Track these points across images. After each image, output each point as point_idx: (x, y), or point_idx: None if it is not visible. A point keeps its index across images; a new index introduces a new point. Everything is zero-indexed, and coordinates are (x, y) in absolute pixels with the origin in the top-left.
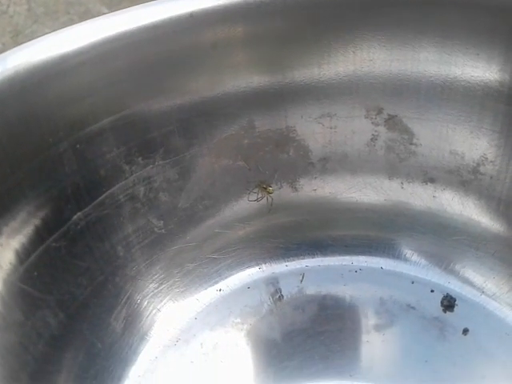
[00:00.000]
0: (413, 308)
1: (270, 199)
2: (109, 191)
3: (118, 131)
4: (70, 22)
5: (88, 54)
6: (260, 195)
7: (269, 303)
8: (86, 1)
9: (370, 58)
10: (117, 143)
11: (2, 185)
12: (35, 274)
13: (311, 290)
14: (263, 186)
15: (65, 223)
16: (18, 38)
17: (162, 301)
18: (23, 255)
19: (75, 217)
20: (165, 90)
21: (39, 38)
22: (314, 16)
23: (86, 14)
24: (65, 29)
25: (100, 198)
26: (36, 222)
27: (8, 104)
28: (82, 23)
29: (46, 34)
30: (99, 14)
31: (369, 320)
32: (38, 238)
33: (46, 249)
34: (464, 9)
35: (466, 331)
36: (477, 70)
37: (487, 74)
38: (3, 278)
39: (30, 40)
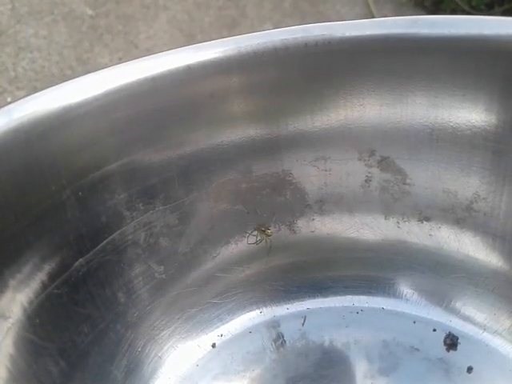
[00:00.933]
0: (416, 350)
1: (268, 242)
2: (110, 237)
3: (119, 178)
4: (54, 23)
5: (90, 105)
6: (259, 238)
7: (271, 349)
8: (70, 1)
9: (361, 103)
10: (118, 190)
11: (6, 232)
12: (37, 321)
13: (313, 333)
14: (262, 229)
15: (67, 269)
16: (1, 38)
17: (163, 348)
18: (26, 303)
19: (77, 263)
20: (164, 138)
21: (43, 91)
22: (305, 65)
23: (70, 15)
24: (68, 82)
25: (101, 244)
26: (39, 269)
27: (13, 154)
28: (85, 76)
29: (30, 34)
30: (83, 14)
31: (373, 363)
32: (41, 285)
33: (49, 296)
34: (449, 54)
35: (470, 369)
36: (463, 110)
37: (473, 115)
38: (8, 327)
39: (13, 40)
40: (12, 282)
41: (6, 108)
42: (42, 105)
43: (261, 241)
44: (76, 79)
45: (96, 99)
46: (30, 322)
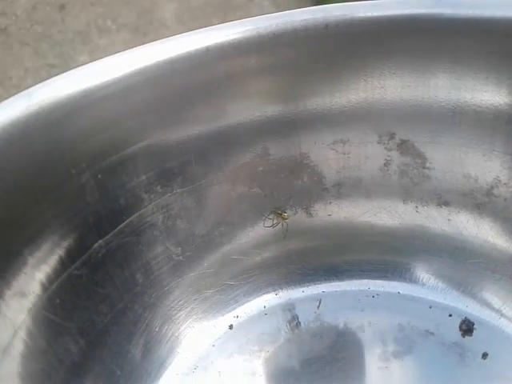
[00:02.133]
0: (431, 334)
1: (285, 225)
2: (128, 219)
3: (138, 161)
4: None
5: (109, 88)
6: (275, 221)
7: (286, 330)
8: None
9: (381, 85)
10: (136, 173)
11: (27, 214)
12: (57, 301)
13: (328, 316)
14: (278, 212)
15: (86, 251)
16: None
17: (180, 328)
18: (47, 283)
19: (96, 245)
20: (182, 120)
21: (63, 75)
22: (325, 46)
23: None
24: (86, 65)
25: (120, 226)
26: (59, 250)
27: (34, 137)
28: (103, 59)
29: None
30: None
31: (387, 346)
32: (61, 266)
33: (69, 276)
34: (472, 34)
35: (485, 355)
36: (487, 93)
37: (497, 98)
38: (28, 306)
39: None
40: (31, 260)
41: (26, 92)
42: (62, 88)
43: (277, 224)
44: (94, 62)
45: (114, 82)
46: (50, 301)
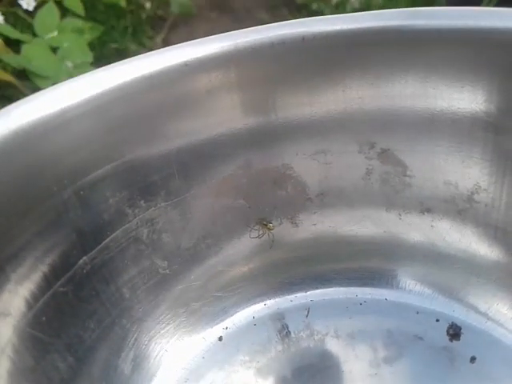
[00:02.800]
0: (420, 338)
1: (271, 235)
2: (113, 235)
3: (120, 176)
4: None
5: (88, 105)
6: (261, 232)
7: (276, 340)
8: None
9: (359, 96)
10: (119, 188)
11: (9, 233)
12: (43, 319)
13: (318, 324)
14: (263, 223)
15: (71, 268)
16: None
17: (169, 341)
18: (32, 301)
19: (81, 261)
20: (163, 135)
21: (40, 92)
22: (302, 59)
23: None
24: (64, 82)
25: (104, 242)
26: (43, 267)
27: (13, 156)
28: (81, 76)
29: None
30: None
31: (377, 352)
32: (46, 283)
33: (54, 294)
34: (446, 46)
35: (473, 359)
36: (462, 102)
37: (473, 106)
38: (13, 324)
39: None
40: (14, 277)
41: (4, 110)
42: (40, 106)
43: (263, 235)
44: (72, 79)
45: (93, 99)
46: (36, 319)
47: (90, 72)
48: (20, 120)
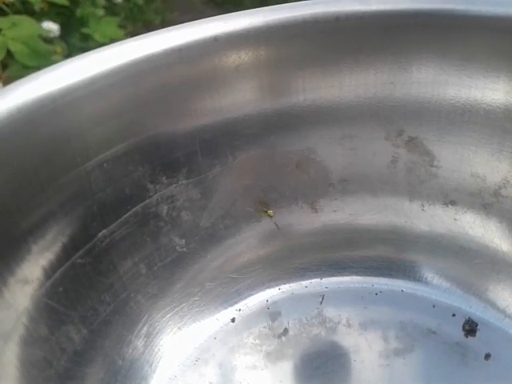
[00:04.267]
0: (434, 333)
1: (272, 223)
2: (133, 209)
3: (144, 151)
4: None
5: (117, 76)
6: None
7: (288, 326)
8: None
9: (391, 81)
10: (142, 163)
11: (32, 202)
12: (61, 289)
13: (331, 312)
14: (264, 210)
15: (90, 240)
16: None
17: (182, 319)
18: (50, 271)
19: (100, 234)
20: (189, 111)
21: (69, 60)
22: (335, 39)
23: None
24: (94, 51)
25: (125, 216)
26: (63, 238)
27: (40, 123)
28: (111, 45)
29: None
30: None
31: (389, 344)
32: (65, 254)
33: (72, 265)
34: (485, 32)
35: (488, 356)
36: (497, 92)
37: (508, 97)
38: (30, 293)
39: None
40: (35, 248)
41: (33, 75)
42: (69, 74)
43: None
44: (102, 48)
45: (122, 70)
46: (53, 289)
47: (120, 42)
48: (48, 87)
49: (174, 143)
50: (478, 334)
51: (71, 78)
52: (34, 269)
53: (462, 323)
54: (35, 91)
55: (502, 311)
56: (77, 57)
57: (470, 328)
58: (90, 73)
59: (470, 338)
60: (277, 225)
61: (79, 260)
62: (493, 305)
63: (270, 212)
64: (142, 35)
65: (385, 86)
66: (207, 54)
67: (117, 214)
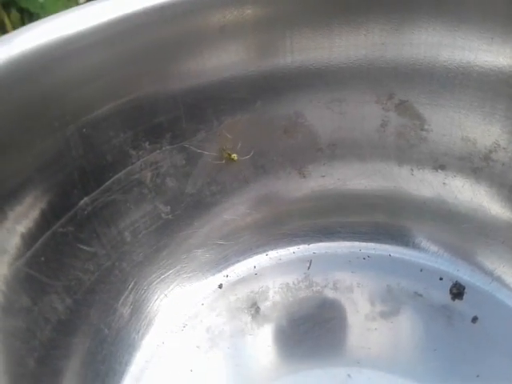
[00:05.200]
0: (420, 295)
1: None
2: (115, 176)
3: (125, 115)
4: None
5: (94, 35)
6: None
7: (275, 290)
8: None
9: (382, 42)
10: (123, 128)
11: (8, 168)
12: (42, 259)
13: (318, 277)
14: (228, 153)
15: (71, 208)
16: None
17: (169, 286)
18: (30, 240)
19: (82, 202)
20: (172, 73)
21: (45, 19)
22: None
23: None
24: (71, 9)
25: (107, 184)
26: (43, 206)
27: (15, 87)
28: (88, 4)
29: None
30: None
31: (375, 306)
32: (45, 223)
33: (53, 234)
34: None
35: (475, 319)
36: (490, 54)
37: (500, 59)
38: (9, 262)
39: None
40: (12, 215)
41: (5, 37)
42: (45, 34)
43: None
44: (79, 7)
45: (101, 29)
46: (34, 259)
47: (97, 0)
48: (22, 47)
49: (157, 107)
50: (465, 297)
51: (46, 38)
52: (11, 237)
53: (449, 287)
54: (8, 52)
55: (490, 274)
56: (53, 15)
57: (458, 291)
58: (67, 32)
59: (457, 301)
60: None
61: (60, 229)
62: (480, 268)
63: (234, 156)
64: None
65: (376, 47)
66: (191, 13)
67: (98, 182)
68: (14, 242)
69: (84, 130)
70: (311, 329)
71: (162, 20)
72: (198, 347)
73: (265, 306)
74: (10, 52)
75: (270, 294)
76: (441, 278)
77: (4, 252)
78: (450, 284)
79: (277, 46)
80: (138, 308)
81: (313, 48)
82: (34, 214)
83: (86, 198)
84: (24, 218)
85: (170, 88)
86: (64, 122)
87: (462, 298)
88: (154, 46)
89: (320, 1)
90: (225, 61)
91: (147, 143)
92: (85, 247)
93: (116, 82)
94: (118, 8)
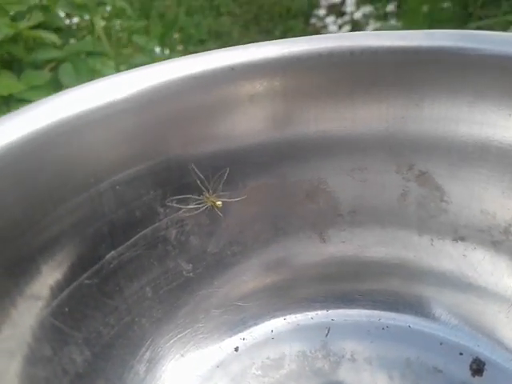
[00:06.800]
0: (440, 371)
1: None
2: (142, 232)
3: (156, 175)
4: None
5: (133, 101)
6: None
7: (292, 358)
8: None
9: (403, 116)
10: (154, 186)
11: (44, 221)
12: (66, 309)
13: (336, 345)
14: (212, 200)
15: (99, 261)
16: None
17: (185, 346)
18: (57, 291)
19: (109, 255)
20: (202, 137)
21: (87, 83)
22: (349, 73)
23: None
24: (111, 76)
25: (134, 239)
26: (72, 259)
27: (56, 145)
28: (130, 71)
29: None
30: None
31: (393, 380)
32: (73, 274)
33: (79, 285)
34: (497, 71)
35: None
36: (509, 130)
37: None
38: (36, 312)
39: None
40: (44, 267)
41: (50, 97)
42: (86, 97)
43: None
44: (119, 74)
45: (138, 95)
46: (59, 309)
47: (137, 68)
48: (65, 110)
49: (186, 168)
50: (485, 373)
51: (88, 102)
52: (41, 288)
53: (469, 362)
54: (51, 113)
55: (511, 351)
56: (95, 80)
57: (477, 368)
58: (107, 98)
59: (476, 377)
60: (218, 210)
61: (86, 281)
62: (501, 344)
63: (218, 203)
64: (158, 62)
65: (397, 120)
66: (223, 83)
67: (126, 236)
68: (43, 292)
69: (117, 186)
70: None
71: (195, 88)
72: None
73: (280, 373)
74: (55, 113)
75: (286, 361)
76: (461, 353)
77: (33, 302)
78: (470, 359)
79: (302, 116)
80: (153, 366)
81: (336, 118)
82: (64, 265)
83: (113, 252)
84: (54, 269)
85: (199, 151)
86: (99, 179)
87: (481, 375)
88: (186, 111)
89: (344, 75)
90: (252, 127)
91: (175, 202)
92: (107, 300)
93: (149, 143)
94: (156, 76)
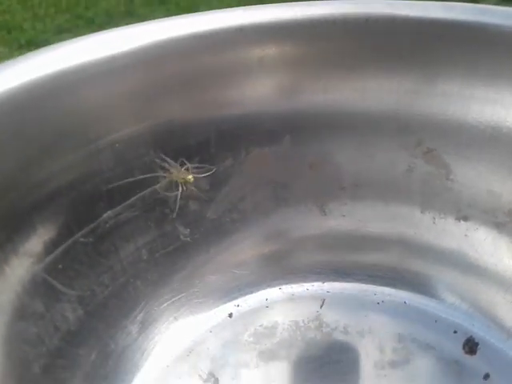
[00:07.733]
0: (432, 348)
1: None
2: (141, 193)
3: (157, 135)
4: None
5: (137, 56)
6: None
7: (284, 327)
8: None
9: (414, 90)
10: (154, 147)
11: (40, 176)
12: (60, 266)
13: (330, 317)
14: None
15: (95, 220)
16: None
17: (179, 310)
18: (51, 246)
19: (105, 215)
20: (208, 100)
21: (89, 35)
22: (362, 42)
23: None
24: (114, 29)
25: (131, 200)
26: (68, 215)
27: (56, 97)
28: (136, 25)
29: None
30: None
31: (385, 355)
32: (68, 231)
33: (74, 243)
34: None
35: (486, 376)
36: None
37: None
38: (29, 266)
39: None
40: (39, 223)
41: (51, 46)
42: (90, 48)
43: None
44: (125, 27)
45: (144, 51)
46: (53, 266)
47: (145, 22)
48: (67, 61)
49: (189, 130)
50: (478, 352)
51: (91, 54)
52: (35, 244)
53: (462, 341)
54: (53, 64)
55: (506, 331)
56: (99, 32)
57: (471, 347)
58: (111, 50)
59: (469, 356)
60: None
61: (81, 239)
62: (497, 324)
63: (189, 177)
64: (166, 17)
65: (408, 94)
66: (231, 44)
67: (124, 196)
68: (36, 247)
69: (116, 144)
70: (318, 369)
71: (204, 47)
72: (200, 376)
73: (271, 342)
74: (56, 65)
75: (279, 330)
76: (455, 331)
77: (26, 255)
78: (464, 338)
79: (311, 84)
80: (146, 328)
81: (345, 89)
82: (59, 222)
83: (109, 212)
84: (49, 224)
85: (203, 114)
86: (98, 136)
87: (475, 354)
88: (193, 72)
89: (357, 44)
90: (260, 93)
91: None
92: (102, 260)
93: (153, 102)
94: (162, 32)
